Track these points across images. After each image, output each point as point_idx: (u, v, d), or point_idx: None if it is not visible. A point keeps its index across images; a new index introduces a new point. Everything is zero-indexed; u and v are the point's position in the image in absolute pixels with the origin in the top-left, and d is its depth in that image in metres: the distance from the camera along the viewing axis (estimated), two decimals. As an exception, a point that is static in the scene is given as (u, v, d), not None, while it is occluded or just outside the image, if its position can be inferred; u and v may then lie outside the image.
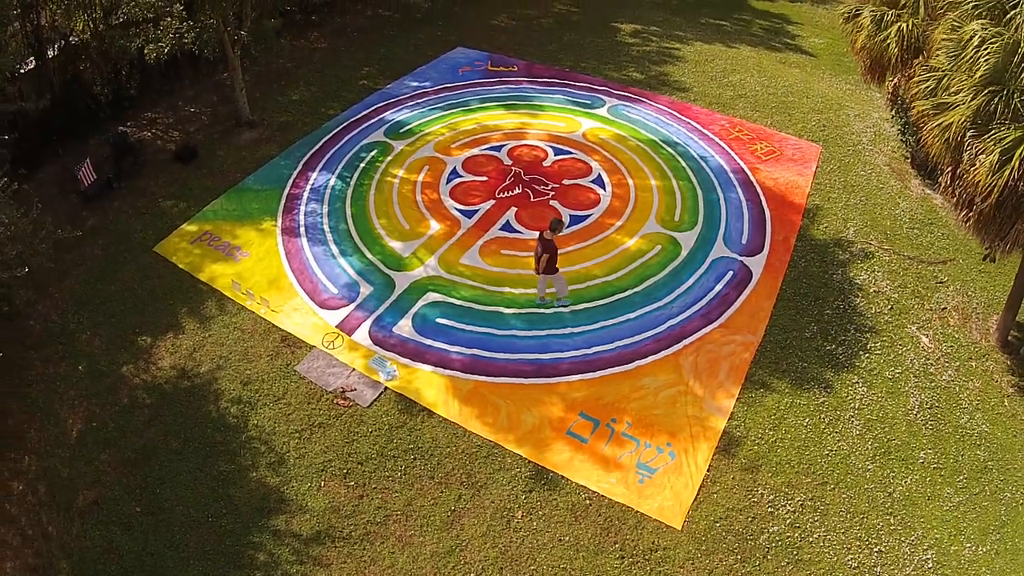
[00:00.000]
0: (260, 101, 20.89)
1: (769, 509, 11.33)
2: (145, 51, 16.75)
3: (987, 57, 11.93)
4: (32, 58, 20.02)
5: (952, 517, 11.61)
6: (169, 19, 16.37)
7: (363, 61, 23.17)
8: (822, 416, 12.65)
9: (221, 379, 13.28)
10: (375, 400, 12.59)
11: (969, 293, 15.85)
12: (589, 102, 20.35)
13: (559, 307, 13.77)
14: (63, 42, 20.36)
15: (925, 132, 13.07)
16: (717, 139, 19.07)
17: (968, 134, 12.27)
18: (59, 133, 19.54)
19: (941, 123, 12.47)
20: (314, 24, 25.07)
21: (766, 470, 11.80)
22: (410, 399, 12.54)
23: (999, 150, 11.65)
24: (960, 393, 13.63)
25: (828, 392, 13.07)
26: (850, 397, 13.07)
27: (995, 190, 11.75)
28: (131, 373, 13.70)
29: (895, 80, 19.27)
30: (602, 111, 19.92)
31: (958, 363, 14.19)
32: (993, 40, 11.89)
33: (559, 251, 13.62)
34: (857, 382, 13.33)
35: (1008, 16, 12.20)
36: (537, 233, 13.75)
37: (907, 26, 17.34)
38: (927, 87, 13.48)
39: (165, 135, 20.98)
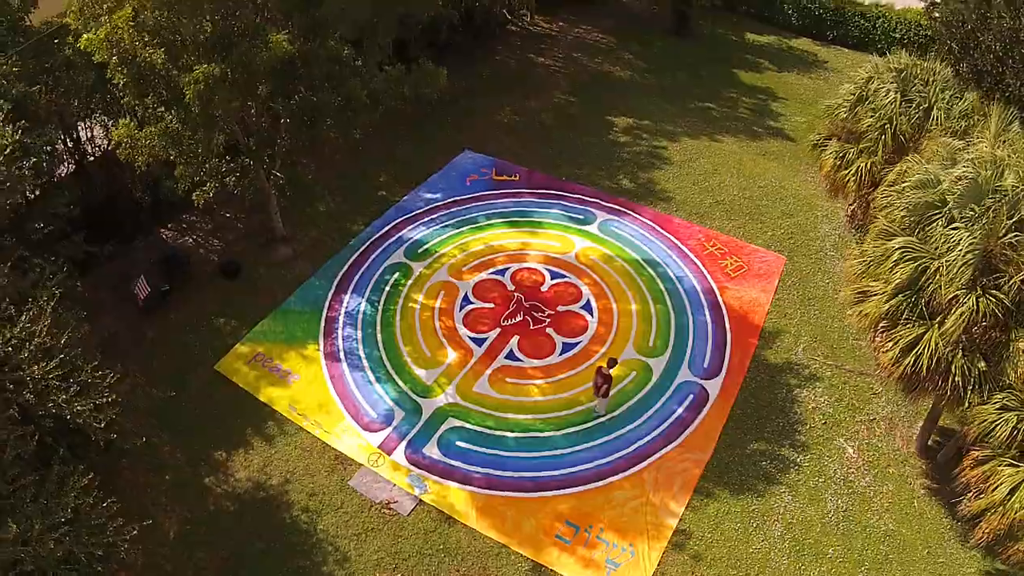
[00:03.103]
0: (290, 212, 27.90)
1: (703, 596, 18.61)
2: (194, 196, 23.47)
3: (902, 273, 18.01)
4: (72, 166, 26.72)
5: (849, 599, 18.79)
6: (212, 160, 22.84)
7: (379, 164, 30.25)
8: (751, 521, 19.87)
9: (290, 491, 20.52)
10: (413, 510, 19.83)
11: (899, 402, 22.87)
12: (582, 217, 27.52)
13: (600, 415, 21.27)
14: (102, 152, 27.25)
15: (850, 312, 19.97)
16: (692, 255, 26.24)
17: (880, 324, 19.16)
18: (106, 237, 25.62)
19: (861, 311, 19.37)
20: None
21: (703, 565, 19.06)
22: (440, 509, 19.81)
23: (899, 347, 18.15)
24: (873, 497, 20.70)
25: (759, 500, 20.27)
26: (777, 504, 20.27)
27: (895, 374, 18.67)
28: (213, 484, 20.89)
29: (853, 205, 26.26)
30: (593, 227, 27.10)
31: (877, 470, 21.27)
32: (908, 263, 18.13)
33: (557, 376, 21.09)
34: (784, 491, 20.53)
35: (930, 227, 18.20)
36: (536, 363, 21.05)
37: (865, 165, 24.14)
38: (856, 271, 20.29)
39: (206, 243, 28.16)
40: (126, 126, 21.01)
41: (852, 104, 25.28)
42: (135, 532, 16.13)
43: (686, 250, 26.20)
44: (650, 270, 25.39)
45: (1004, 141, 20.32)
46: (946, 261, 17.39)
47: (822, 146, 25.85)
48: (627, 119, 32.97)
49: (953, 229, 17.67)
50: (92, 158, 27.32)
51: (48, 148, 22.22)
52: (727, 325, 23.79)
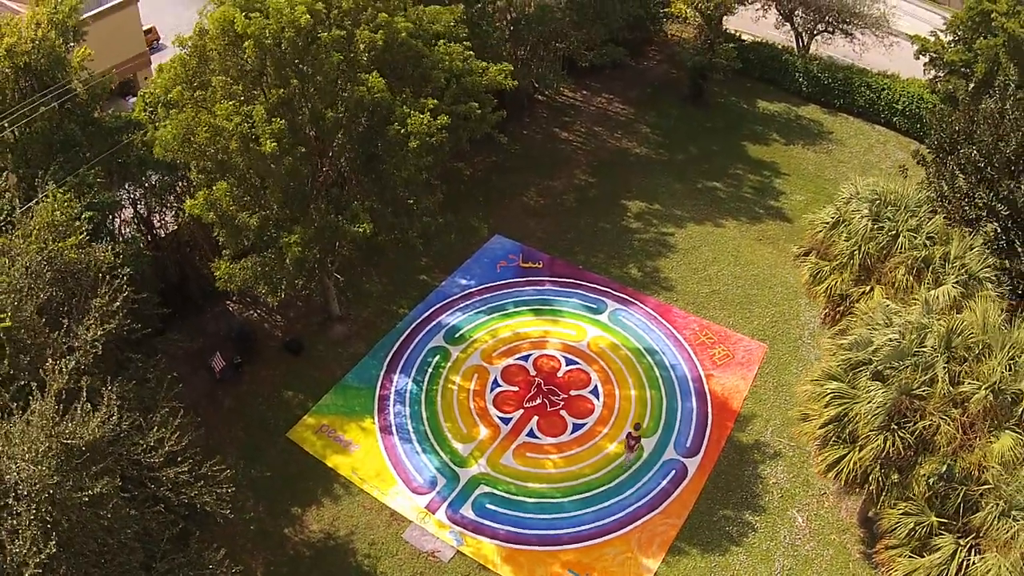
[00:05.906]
0: (343, 291, 38.28)
1: (670, 632, 29.09)
2: (269, 299, 33.56)
3: (832, 409, 27.05)
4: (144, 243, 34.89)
5: (785, 639, 29.12)
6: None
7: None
8: (712, 575, 30.35)
9: (355, 540, 31.00)
10: (452, 558, 30.19)
11: (847, 476, 33.13)
12: (595, 306, 37.84)
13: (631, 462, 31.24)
14: (173, 232, 36.50)
15: (794, 430, 29.94)
16: (687, 344, 36.47)
17: (815, 443, 29.03)
18: (179, 309, 34.92)
19: (802, 430, 29.27)
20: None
21: (672, 608, 29.55)
22: (473, 559, 30.33)
23: (829, 461, 27.80)
24: (815, 560, 30.80)
25: (720, 558, 30.50)
26: (734, 562, 30.54)
27: (829, 480, 28.61)
28: (291, 533, 31.31)
29: (825, 311, 35.93)
30: (604, 316, 37.38)
31: (821, 537, 31.34)
32: (835, 406, 27.07)
33: (574, 453, 31.49)
34: (740, 552, 30.84)
35: (859, 381, 27.47)
36: (552, 438, 31.55)
37: (835, 283, 33.48)
38: (804, 394, 30.16)
39: (269, 318, 38.59)
40: (226, 265, 31.02)
41: (830, 226, 34.14)
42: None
43: (682, 339, 36.40)
44: (649, 358, 35.61)
45: (960, 267, 28.97)
46: (864, 408, 25.95)
47: (802, 260, 35.04)
48: (640, 203, 43.08)
49: (876, 381, 26.17)
50: (163, 236, 36.55)
51: (135, 250, 30.31)
52: (709, 410, 34.01)
